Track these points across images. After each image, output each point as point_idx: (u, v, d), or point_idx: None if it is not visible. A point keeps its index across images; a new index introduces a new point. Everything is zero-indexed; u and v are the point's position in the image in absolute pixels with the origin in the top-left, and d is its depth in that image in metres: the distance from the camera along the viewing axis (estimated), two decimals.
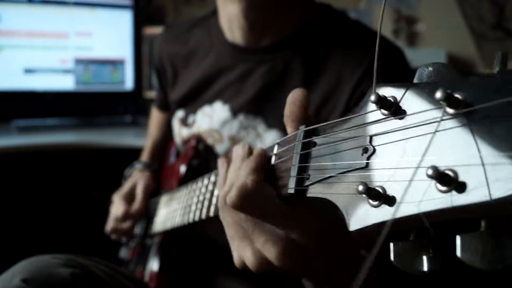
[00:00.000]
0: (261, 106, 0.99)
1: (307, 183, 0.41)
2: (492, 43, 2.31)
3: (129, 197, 1.22)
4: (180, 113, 1.15)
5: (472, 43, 2.35)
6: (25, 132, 2.04)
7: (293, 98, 0.52)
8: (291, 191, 0.44)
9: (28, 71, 2.15)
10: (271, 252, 0.49)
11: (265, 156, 0.54)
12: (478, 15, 2.31)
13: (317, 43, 0.96)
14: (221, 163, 0.62)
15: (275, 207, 0.48)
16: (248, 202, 0.49)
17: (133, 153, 1.54)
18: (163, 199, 1.11)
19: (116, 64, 2.29)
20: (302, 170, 0.42)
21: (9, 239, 2.06)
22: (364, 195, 0.32)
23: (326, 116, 0.92)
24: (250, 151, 0.56)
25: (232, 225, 0.55)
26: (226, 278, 1.10)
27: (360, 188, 0.32)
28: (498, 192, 0.25)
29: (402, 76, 0.91)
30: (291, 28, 0.98)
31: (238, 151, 0.57)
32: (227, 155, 0.62)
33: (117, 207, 1.20)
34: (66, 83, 2.22)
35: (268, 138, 0.97)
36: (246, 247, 0.54)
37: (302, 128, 0.45)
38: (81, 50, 2.23)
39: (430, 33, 2.42)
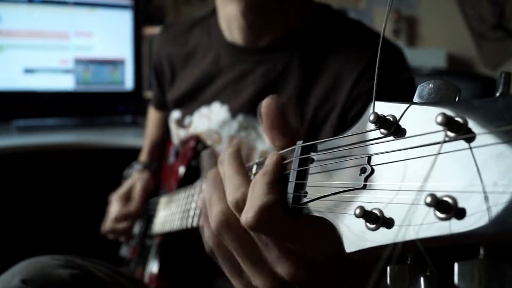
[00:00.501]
0: None
1: (303, 200, 0.40)
2: (492, 43, 2.31)
3: (126, 198, 1.21)
4: (176, 114, 1.15)
5: (472, 43, 2.35)
6: (25, 132, 2.04)
7: (267, 109, 0.49)
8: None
9: (28, 71, 2.14)
10: (284, 268, 0.46)
11: (281, 164, 0.47)
12: (478, 15, 2.30)
13: (316, 43, 0.96)
14: (211, 176, 0.55)
15: (286, 223, 0.44)
16: (268, 223, 0.44)
17: (133, 153, 1.54)
18: (163, 200, 1.11)
19: (116, 64, 2.29)
20: (299, 187, 0.42)
21: (9, 239, 2.06)
22: (361, 218, 0.32)
23: (324, 117, 0.92)
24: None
25: (237, 244, 0.50)
26: (226, 279, 1.10)
27: (357, 212, 0.32)
28: (498, 220, 0.24)
29: (402, 77, 0.91)
30: (290, 28, 0.98)
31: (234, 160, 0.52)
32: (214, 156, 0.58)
33: (113, 207, 1.20)
34: (66, 83, 2.22)
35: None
36: (256, 266, 0.49)
37: (300, 143, 0.45)
38: (81, 50, 2.22)
39: (430, 33, 2.41)
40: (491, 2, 2.27)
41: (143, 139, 1.51)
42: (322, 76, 0.93)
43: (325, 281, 0.50)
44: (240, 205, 0.47)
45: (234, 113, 1.02)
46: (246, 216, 0.44)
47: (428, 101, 0.31)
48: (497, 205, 0.24)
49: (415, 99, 0.33)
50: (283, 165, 0.47)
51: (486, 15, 2.29)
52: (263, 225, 0.44)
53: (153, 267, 1.10)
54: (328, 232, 0.39)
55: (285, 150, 0.48)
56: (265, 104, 0.49)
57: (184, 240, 1.11)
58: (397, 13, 2.35)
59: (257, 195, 0.44)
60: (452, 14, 2.34)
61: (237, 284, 0.54)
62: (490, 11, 2.27)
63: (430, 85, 0.32)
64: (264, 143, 0.98)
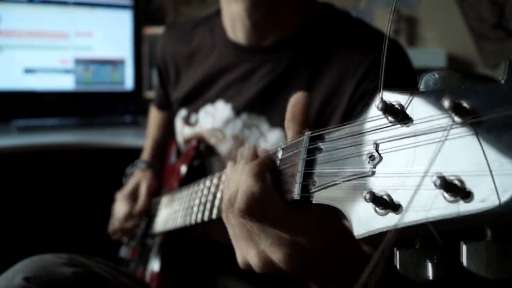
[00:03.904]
0: (264, 105, 0.99)
1: (312, 189, 0.41)
2: (492, 43, 2.31)
3: (133, 197, 1.22)
4: (183, 112, 1.15)
5: (472, 43, 2.36)
6: (25, 132, 2.04)
7: (295, 101, 0.52)
8: (296, 197, 0.44)
9: (28, 71, 2.14)
10: (277, 255, 0.49)
11: (270, 160, 0.53)
12: (478, 15, 2.31)
13: (319, 42, 0.97)
14: (230, 165, 0.61)
15: (281, 213, 0.48)
16: (255, 209, 0.48)
17: (133, 153, 1.54)
18: (164, 200, 1.11)
19: (116, 64, 2.29)
20: (307, 176, 0.42)
21: (10, 239, 2.06)
22: (370, 203, 0.32)
23: (329, 115, 0.93)
24: (255, 154, 0.56)
25: (237, 227, 0.55)
26: (227, 278, 1.10)
27: (367, 196, 0.32)
28: (505, 201, 0.25)
29: (404, 73, 0.92)
30: (293, 27, 0.98)
31: (243, 153, 0.56)
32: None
33: (120, 207, 1.20)
34: (66, 83, 2.22)
35: (272, 137, 0.97)
36: (251, 248, 0.54)
37: (307, 133, 0.45)
38: (81, 50, 2.22)
39: (430, 33, 2.42)
40: (491, 2, 2.27)
41: (143, 139, 1.52)
42: (326, 75, 0.94)
43: (316, 268, 0.51)
44: (234, 201, 0.53)
45: (238, 112, 1.02)
46: (238, 205, 0.49)
47: (434, 89, 0.32)
48: (504, 186, 0.25)
49: (421, 88, 0.33)
50: (273, 159, 0.53)
51: (486, 15, 2.30)
52: (254, 212, 0.49)
53: (155, 266, 1.11)
54: (333, 220, 0.40)
55: (293, 141, 0.48)
56: (297, 95, 0.53)
57: (186, 239, 1.11)
58: (397, 13, 2.35)
59: (244, 184, 0.49)
60: (452, 14, 2.35)
61: (239, 259, 0.58)
62: (490, 11, 2.28)
63: (435, 75, 0.33)
64: (266, 142, 0.98)
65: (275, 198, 0.49)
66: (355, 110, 0.90)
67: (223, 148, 1.04)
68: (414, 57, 1.05)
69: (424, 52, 2.31)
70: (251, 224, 0.52)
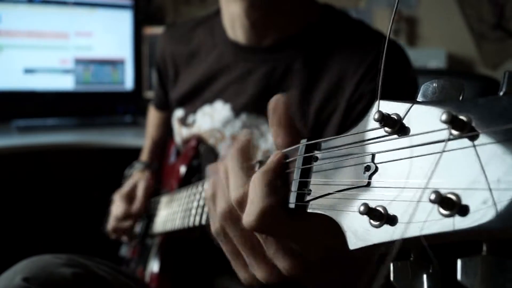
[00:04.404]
0: (264, 106, 0.99)
1: (307, 198, 0.41)
2: (492, 43, 2.31)
3: (129, 197, 1.21)
4: (179, 112, 1.15)
5: (472, 43, 2.35)
6: (25, 132, 2.05)
7: (275, 105, 0.51)
8: (292, 206, 0.43)
9: (28, 71, 2.15)
10: (282, 262, 0.48)
11: (282, 163, 0.48)
12: (478, 15, 2.30)
13: (319, 43, 0.97)
14: (221, 168, 0.56)
15: (281, 221, 0.46)
16: (269, 226, 0.46)
17: (133, 153, 1.54)
18: (164, 200, 1.11)
19: (116, 64, 2.29)
20: (303, 185, 0.42)
21: (9, 239, 2.06)
22: (365, 216, 0.32)
23: (328, 115, 0.92)
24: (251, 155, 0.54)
25: (240, 238, 0.52)
26: (227, 278, 1.10)
27: (361, 208, 0.32)
28: (501, 217, 0.25)
29: (404, 75, 0.92)
30: (293, 28, 0.98)
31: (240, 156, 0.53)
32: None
33: (117, 206, 1.20)
34: (66, 83, 2.22)
35: (272, 138, 0.97)
36: (256, 259, 0.51)
37: (304, 142, 0.45)
38: (81, 50, 2.23)
39: (430, 33, 2.42)
40: (491, 2, 2.27)
41: (143, 139, 1.52)
42: (325, 76, 0.94)
43: (322, 275, 0.51)
44: (243, 204, 0.49)
45: (237, 112, 1.02)
46: (248, 219, 0.46)
47: (432, 100, 0.32)
48: (501, 202, 0.25)
49: (419, 98, 0.33)
50: (285, 164, 0.48)
51: (486, 15, 2.29)
52: (264, 227, 0.46)
53: (154, 266, 1.11)
54: (329, 230, 0.40)
55: (289, 149, 0.48)
56: (275, 100, 0.51)
57: (185, 239, 1.11)
58: (397, 13, 2.35)
59: (257, 197, 0.46)
60: (452, 14, 2.34)
61: (242, 276, 0.56)
62: (490, 11, 2.28)
63: (434, 84, 0.32)
64: (266, 143, 0.98)
65: (287, 210, 0.46)
66: (353, 111, 0.90)
67: (221, 149, 1.04)
68: (414, 57, 1.05)
69: (424, 52, 2.31)
70: (250, 235, 0.50)
